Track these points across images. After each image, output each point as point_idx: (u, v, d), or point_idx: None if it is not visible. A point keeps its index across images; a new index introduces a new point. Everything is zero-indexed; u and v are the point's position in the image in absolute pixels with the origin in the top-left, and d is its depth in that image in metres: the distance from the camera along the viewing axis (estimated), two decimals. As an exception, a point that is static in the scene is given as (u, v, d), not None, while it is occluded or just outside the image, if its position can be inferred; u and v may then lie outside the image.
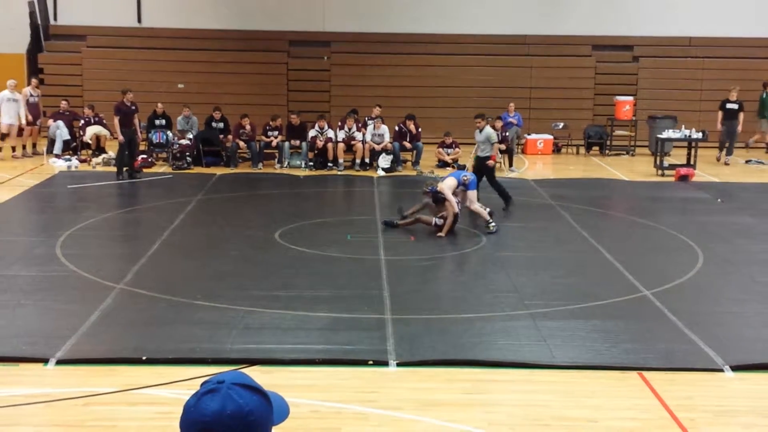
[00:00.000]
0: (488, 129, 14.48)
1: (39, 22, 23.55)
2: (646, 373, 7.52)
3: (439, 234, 12.57)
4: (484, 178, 14.39)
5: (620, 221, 14.85)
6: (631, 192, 17.38)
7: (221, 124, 19.55)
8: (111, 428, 6.48)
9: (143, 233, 12.84)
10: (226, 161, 19.06)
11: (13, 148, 19.71)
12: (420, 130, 19.49)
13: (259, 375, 7.36)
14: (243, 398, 2.07)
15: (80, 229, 12.68)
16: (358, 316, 8.84)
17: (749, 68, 23.51)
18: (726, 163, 20.31)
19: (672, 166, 18.78)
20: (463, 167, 18.79)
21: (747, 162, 20.66)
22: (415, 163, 19.19)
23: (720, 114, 20.56)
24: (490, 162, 14.29)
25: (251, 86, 23.23)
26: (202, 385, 2.14)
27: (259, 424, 2.08)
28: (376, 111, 19.54)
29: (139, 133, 17.97)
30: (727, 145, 20.52)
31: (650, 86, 23.73)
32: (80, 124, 19.84)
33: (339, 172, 18.73)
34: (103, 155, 19.06)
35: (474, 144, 19.15)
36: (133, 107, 17.30)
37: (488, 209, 13.22)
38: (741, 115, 20.37)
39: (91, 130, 19.59)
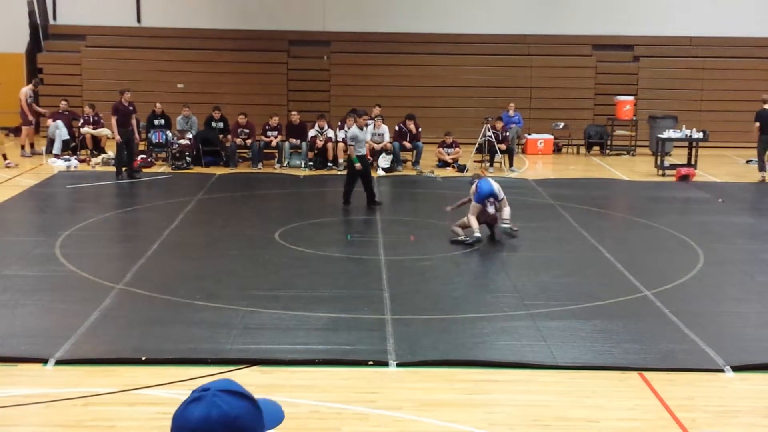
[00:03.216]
0: (354, 128, 14.74)
1: (38, 21, 23.54)
2: (646, 374, 7.51)
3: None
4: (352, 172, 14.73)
5: (621, 221, 14.83)
6: (631, 192, 17.36)
7: (221, 124, 19.53)
8: (110, 428, 6.46)
9: (142, 233, 12.82)
10: (226, 161, 19.03)
11: (22, 147, 19.98)
12: (420, 129, 19.47)
13: (259, 375, 7.36)
14: (228, 404, 2.08)
15: (79, 229, 12.66)
16: (358, 316, 8.82)
17: (750, 68, 23.50)
18: None
19: (673, 166, 18.77)
20: (463, 167, 18.81)
21: (748, 162, 20.62)
22: (415, 162, 19.17)
23: (756, 125, 18.12)
24: (358, 165, 14.44)
25: (251, 86, 23.22)
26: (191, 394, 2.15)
27: (246, 429, 2.09)
28: (376, 111, 19.53)
29: (137, 134, 17.94)
30: (766, 159, 18.02)
31: (651, 86, 23.71)
32: (79, 124, 19.84)
33: (339, 172, 18.69)
34: (102, 155, 19.05)
35: (474, 144, 19.31)
36: (131, 107, 17.27)
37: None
38: None
39: (88, 129, 19.60)
